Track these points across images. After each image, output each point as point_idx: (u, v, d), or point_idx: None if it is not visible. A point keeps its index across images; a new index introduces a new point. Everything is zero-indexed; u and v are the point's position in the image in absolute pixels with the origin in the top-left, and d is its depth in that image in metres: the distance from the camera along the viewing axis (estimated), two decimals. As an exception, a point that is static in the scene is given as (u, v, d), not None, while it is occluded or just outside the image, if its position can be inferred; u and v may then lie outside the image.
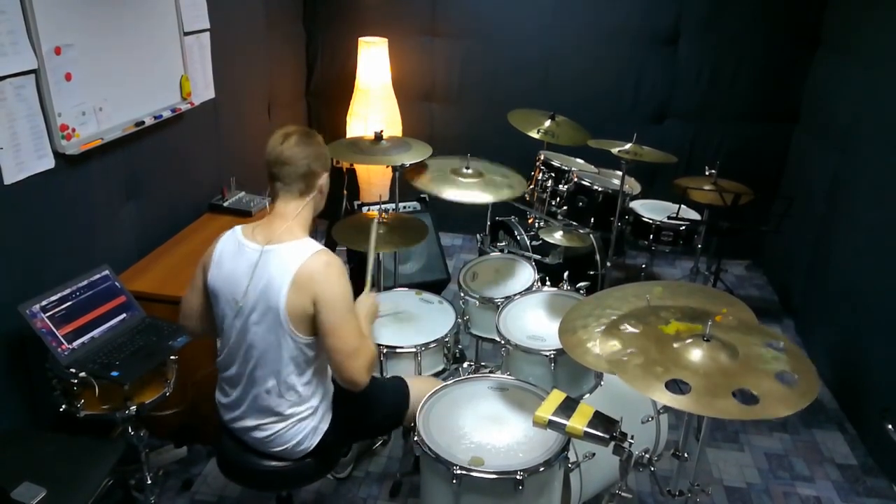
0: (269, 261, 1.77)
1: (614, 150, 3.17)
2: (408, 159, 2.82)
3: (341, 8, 4.46)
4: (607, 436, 1.64)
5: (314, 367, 1.85)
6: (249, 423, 1.88)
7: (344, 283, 1.78)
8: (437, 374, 2.43)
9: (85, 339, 2.14)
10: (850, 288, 3.22)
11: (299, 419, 1.87)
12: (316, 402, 1.89)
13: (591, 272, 3.44)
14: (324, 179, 1.87)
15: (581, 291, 2.60)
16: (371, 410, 2.07)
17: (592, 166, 3.72)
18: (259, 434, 1.87)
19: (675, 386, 1.48)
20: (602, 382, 2.30)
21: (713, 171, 3.39)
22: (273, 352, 1.79)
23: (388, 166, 2.85)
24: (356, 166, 4.39)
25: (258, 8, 3.83)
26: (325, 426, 1.93)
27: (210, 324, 1.94)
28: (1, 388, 2.18)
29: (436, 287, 3.48)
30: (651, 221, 3.39)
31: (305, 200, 1.85)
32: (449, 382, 2.08)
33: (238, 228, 1.87)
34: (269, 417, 1.85)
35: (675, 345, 1.60)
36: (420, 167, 2.84)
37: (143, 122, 2.75)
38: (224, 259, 1.83)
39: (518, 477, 1.69)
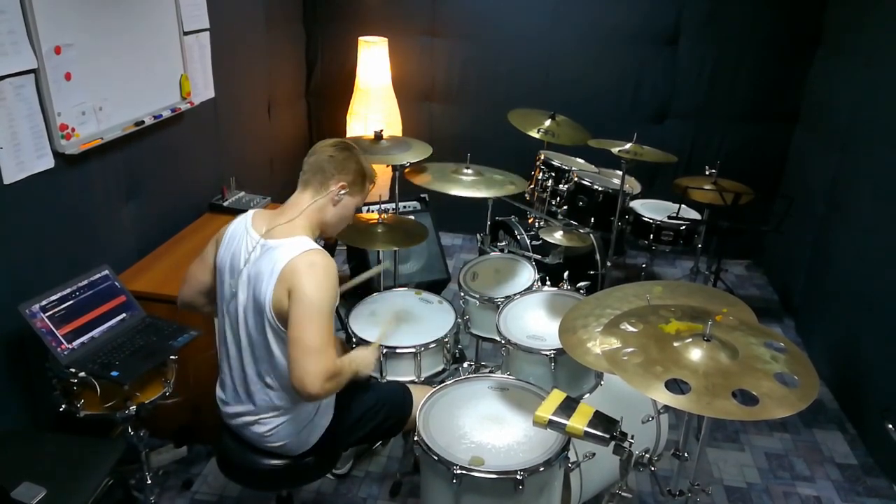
0: (263, 255, 1.78)
1: (614, 150, 3.17)
2: (407, 159, 2.81)
3: (341, 7, 4.46)
4: (607, 436, 1.63)
5: None
6: (248, 417, 1.88)
7: (325, 284, 1.72)
8: (436, 374, 2.43)
9: (85, 338, 2.14)
10: (850, 288, 3.22)
11: (298, 413, 1.87)
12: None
13: (591, 272, 3.44)
14: (340, 191, 1.86)
15: (581, 291, 2.60)
16: (373, 411, 2.07)
17: (592, 166, 3.72)
18: (258, 429, 1.87)
19: (675, 385, 1.48)
20: (602, 382, 2.30)
21: (713, 170, 3.39)
22: (265, 346, 1.79)
23: (388, 166, 2.84)
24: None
25: (258, 8, 3.83)
26: (324, 422, 1.93)
27: (211, 300, 1.96)
28: (1, 388, 2.18)
29: (436, 287, 3.48)
30: (651, 221, 3.39)
31: (315, 199, 1.86)
32: (449, 382, 2.08)
33: (250, 213, 1.90)
34: (267, 412, 1.86)
35: (676, 344, 1.60)
36: (420, 167, 2.84)
37: (142, 122, 2.75)
38: (232, 240, 1.87)
39: (518, 477, 1.69)
